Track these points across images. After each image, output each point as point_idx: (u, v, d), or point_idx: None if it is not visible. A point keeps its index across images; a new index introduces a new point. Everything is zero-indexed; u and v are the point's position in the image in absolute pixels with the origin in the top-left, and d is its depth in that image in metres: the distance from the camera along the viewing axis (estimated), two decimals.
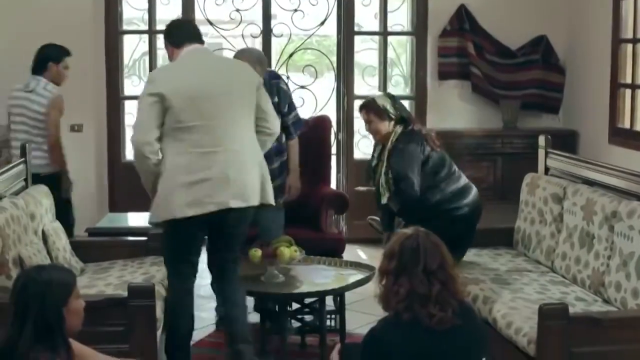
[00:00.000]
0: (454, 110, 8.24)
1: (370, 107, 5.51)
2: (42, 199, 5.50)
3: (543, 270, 5.61)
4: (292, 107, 6.06)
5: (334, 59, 8.47)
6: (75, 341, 3.37)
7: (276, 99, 5.83)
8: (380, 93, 5.71)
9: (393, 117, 5.45)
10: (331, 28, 8.36)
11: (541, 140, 6.22)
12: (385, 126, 5.46)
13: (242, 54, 5.80)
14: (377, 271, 3.50)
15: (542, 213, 5.77)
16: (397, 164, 5.35)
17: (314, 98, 8.38)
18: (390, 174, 5.39)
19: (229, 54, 8.30)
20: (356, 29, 8.36)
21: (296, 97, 8.18)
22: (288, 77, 8.26)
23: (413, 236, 3.41)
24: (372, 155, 5.70)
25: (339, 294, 5.43)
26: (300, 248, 5.41)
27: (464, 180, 5.53)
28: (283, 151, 6.02)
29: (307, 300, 5.57)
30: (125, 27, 8.20)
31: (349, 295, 5.65)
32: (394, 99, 5.59)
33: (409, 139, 5.37)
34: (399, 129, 5.45)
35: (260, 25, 8.20)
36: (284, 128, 5.92)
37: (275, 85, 5.94)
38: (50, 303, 3.22)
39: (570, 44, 8.15)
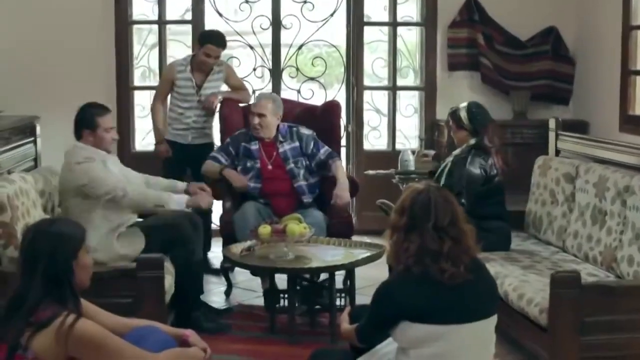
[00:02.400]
0: (464, 101, 8.14)
1: (452, 114, 5.83)
2: (52, 178, 5.48)
3: (553, 250, 5.59)
4: (318, 145, 6.37)
5: (343, 52, 8.45)
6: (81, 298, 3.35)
7: (297, 143, 6.30)
8: (468, 102, 5.85)
9: (467, 128, 5.67)
10: (341, 19, 8.34)
11: (551, 123, 6.23)
12: (461, 135, 5.74)
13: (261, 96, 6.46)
14: (388, 228, 3.47)
15: (554, 194, 5.75)
16: (455, 179, 5.53)
17: (324, 90, 8.36)
18: (447, 180, 5.58)
19: (239, 46, 8.40)
20: (365, 19, 8.32)
21: (305, 89, 8.23)
22: (297, 69, 8.26)
23: (424, 191, 3.38)
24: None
25: (349, 269, 5.42)
26: (310, 226, 5.40)
27: (504, 209, 5.71)
28: (315, 190, 6.39)
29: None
30: (135, 18, 8.19)
31: (358, 281, 5.63)
32: (473, 111, 5.75)
33: (479, 160, 5.55)
34: (472, 141, 5.66)
35: (270, 17, 8.18)
36: (321, 165, 6.37)
37: (295, 132, 6.36)
38: (61, 256, 3.20)
39: (580, 35, 8.11)
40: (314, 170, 6.37)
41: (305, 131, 6.40)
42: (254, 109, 6.34)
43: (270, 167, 6.29)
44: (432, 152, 5.74)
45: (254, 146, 6.31)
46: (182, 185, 5.64)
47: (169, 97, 7.07)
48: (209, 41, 6.85)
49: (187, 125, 7.02)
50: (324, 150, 6.37)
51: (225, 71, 7.07)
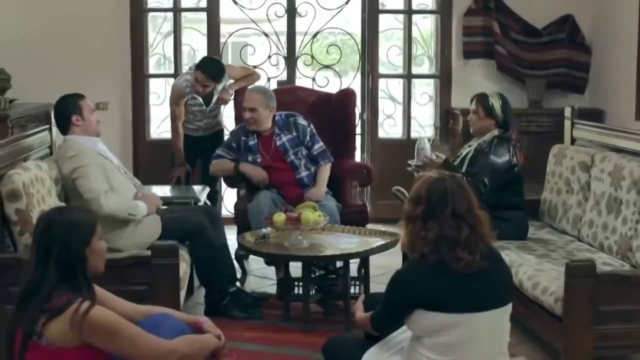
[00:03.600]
0: (479, 90, 7.90)
1: (482, 100, 5.75)
2: None
3: (568, 239, 5.57)
4: (314, 139, 6.35)
5: (358, 39, 8.43)
6: (95, 285, 3.36)
7: (294, 133, 6.28)
8: (494, 92, 5.84)
9: (497, 118, 5.65)
10: (356, 7, 8.32)
11: (567, 111, 6.20)
12: (487, 123, 5.70)
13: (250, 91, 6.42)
14: (403, 217, 3.46)
15: (569, 182, 5.73)
16: (478, 168, 5.51)
17: (339, 78, 8.35)
18: (470, 168, 5.57)
19: (254, 34, 8.39)
20: (380, 7, 8.30)
21: (320, 77, 8.21)
22: (312, 57, 8.25)
23: (439, 179, 3.37)
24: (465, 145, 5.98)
25: (363, 257, 5.41)
26: (325, 214, 5.40)
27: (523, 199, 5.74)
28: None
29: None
30: (150, 5, 8.19)
31: (372, 269, 5.62)
32: (506, 103, 5.75)
33: (502, 150, 5.55)
34: (496, 131, 5.65)
35: (285, 4, 8.16)
36: (312, 159, 6.36)
37: (292, 122, 6.33)
38: (74, 243, 3.20)
39: (597, 23, 8.07)
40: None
41: (302, 121, 6.38)
42: (244, 104, 6.31)
43: (270, 160, 6.29)
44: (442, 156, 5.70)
45: (252, 141, 6.30)
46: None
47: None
48: (199, 68, 6.78)
49: (198, 127, 7.10)
50: (318, 146, 6.36)
51: (226, 77, 7.01)
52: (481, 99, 5.77)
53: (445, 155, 5.67)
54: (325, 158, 6.36)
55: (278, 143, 6.28)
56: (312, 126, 6.40)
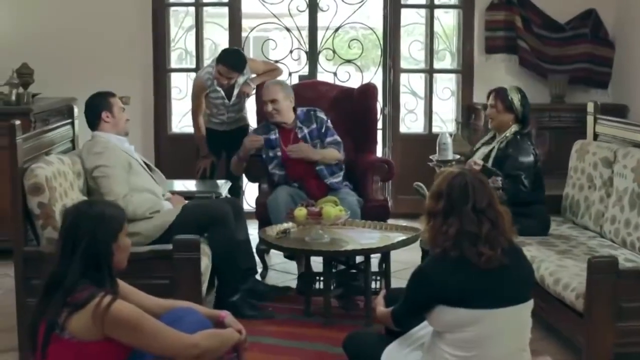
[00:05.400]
0: (501, 84, 7.97)
1: (500, 94, 5.74)
2: None
3: (590, 235, 5.55)
4: (329, 132, 6.37)
5: (380, 34, 8.42)
6: (118, 279, 3.37)
7: (314, 125, 6.32)
8: (512, 86, 5.83)
9: (516, 112, 5.64)
10: (377, 1, 8.30)
11: (590, 106, 6.18)
12: (506, 118, 5.68)
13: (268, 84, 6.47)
14: (424, 213, 3.46)
15: (592, 178, 5.71)
16: (509, 166, 5.49)
17: (360, 72, 8.34)
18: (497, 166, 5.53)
19: (275, 28, 8.39)
20: (402, 2, 8.28)
21: (342, 71, 8.20)
22: (334, 52, 8.23)
23: (460, 175, 3.38)
24: (480, 141, 5.97)
25: (384, 252, 5.41)
26: (346, 209, 5.40)
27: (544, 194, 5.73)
28: (337, 171, 6.34)
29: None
30: (171, 0, 8.21)
31: (393, 264, 5.62)
32: (524, 96, 5.73)
33: (527, 147, 5.56)
34: (515, 126, 5.65)
35: None
36: None
37: (313, 115, 6.39)
38: (101, 237, 3.22)
39: (620, 18, 8.03)
40: None
41: (321, 115, 6.43)
42: (265, 98, 6.35)
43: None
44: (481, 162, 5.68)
45: (273, 136, 6.32)
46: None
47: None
48: (221, 61, 6.76)
49: (221, 121, 7.11)
50: (332, 138, 6.36)
51: (248, 70, 6.97)
52: (499, 93, 5.76)
53: (483, 162, 5.59)
54: (336, 147, 6.34)
55: (300, 135, 6.30)
56: (329, 121, 6.43)
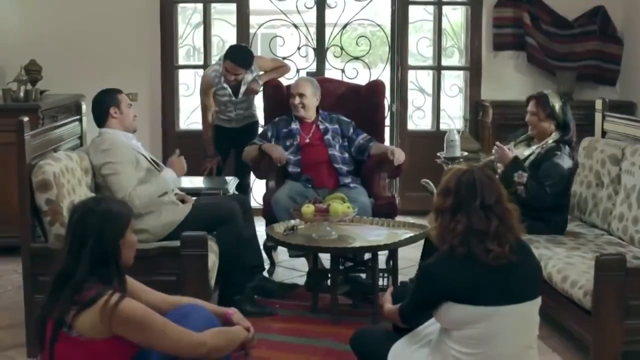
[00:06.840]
0: (509, 81, 8.14)
1: (541, 100, 5.60)
2: None
3: (598, 233, 5.54)
4: (358, 131, 6.54)
5: (387, 31, 8.42)
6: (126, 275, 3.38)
7: (337, 126, 6.48)
8: (551, 91, 5.74)
9: (557, 119, 5.54)
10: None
11: (598, 103, 6.16)
12: (547, 125, 5.57)
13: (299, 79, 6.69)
14: (432, 210, 3.46)
15: (599, 176, 5.69)
16: (543, 172, 5.40)
17: (368, 69, 8.34)
18: (532, 171, 5.44)
19: (283, 25, 8.38)
20: None
21: (350, 68, 8.20)
22: (342, 49, 8.23)
23: (468, 171, 3.37)
24: (516, 139, 5.84)
25: (392, 249, 5.41)
26: (353, 206, 5.40)
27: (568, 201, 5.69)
28: (348, 163, 6.45)
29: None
30: None
31: (400, 261, 5.62)
32: (565, 102, 5.64)
33: (565, 156, 5.45)
34: (556, 134, 5.55)
35: None
36: (360, 149, 6.48)
37: (335, 118, 6.54)
38: (109, 234, 3.23)
39: (628, 15, 8.01)
40: (351, 153, 6.47)
41: (344, 118, 6.56)
42: (293, 90, 6.46)
43: (308, 140, 6.41)
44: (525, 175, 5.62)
45: (295, 125, 6.42)
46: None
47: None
48: (228, 57, 6.75)
49: (229, 118, 7.11)
50: (364, 136, 6.48)
51: (256, 67, 6.96)
52: (540, 100, 5.60)
53: (516, 154, 5.54)
54: (374, 140, 6.50)
55: (321, 127, 6.44)
56: (353, 123, 6.56)
